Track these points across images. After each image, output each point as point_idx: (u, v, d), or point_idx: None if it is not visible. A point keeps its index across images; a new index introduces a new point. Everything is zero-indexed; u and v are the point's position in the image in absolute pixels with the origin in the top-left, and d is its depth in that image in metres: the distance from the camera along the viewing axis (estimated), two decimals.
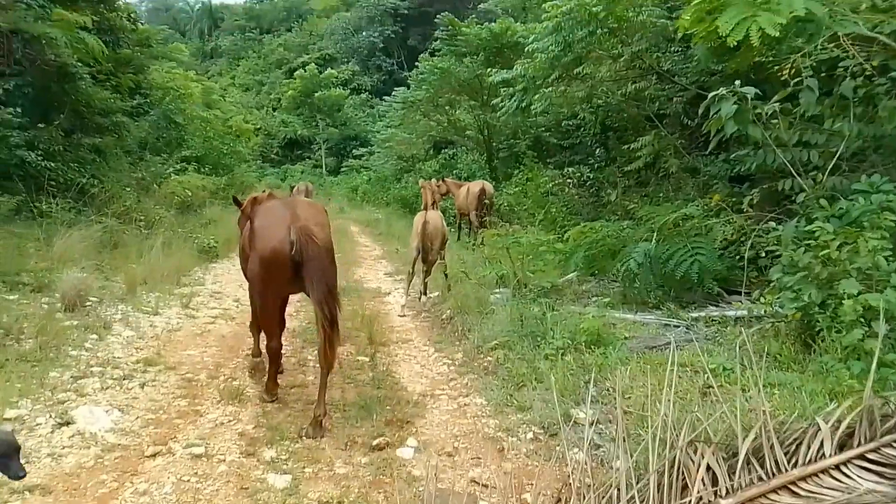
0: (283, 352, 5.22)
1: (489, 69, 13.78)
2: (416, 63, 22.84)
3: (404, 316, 8.29)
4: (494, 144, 21.64)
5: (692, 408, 3.77)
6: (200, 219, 14.26)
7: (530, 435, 4.38)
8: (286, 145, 46.66)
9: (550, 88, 10.84)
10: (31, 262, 8.29)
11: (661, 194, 9.98)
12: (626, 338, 5.97)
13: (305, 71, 45.91)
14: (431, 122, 23.61)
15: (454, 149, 23.69)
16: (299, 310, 7.97)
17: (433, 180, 16.19)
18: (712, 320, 6.73)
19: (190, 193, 13.26)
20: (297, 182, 23.39)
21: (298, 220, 4.53)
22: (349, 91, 46.94)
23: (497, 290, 7.99)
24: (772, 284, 5.59)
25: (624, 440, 2.91)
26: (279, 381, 5.22)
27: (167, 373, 5.60)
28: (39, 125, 11.66)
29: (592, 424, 4.20)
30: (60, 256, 8.79)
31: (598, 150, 16.27)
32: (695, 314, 7.00)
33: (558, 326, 5.91)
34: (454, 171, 20.43)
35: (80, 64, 12.71)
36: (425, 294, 8.94)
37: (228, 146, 20.44)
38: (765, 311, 5.47)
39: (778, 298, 5.31)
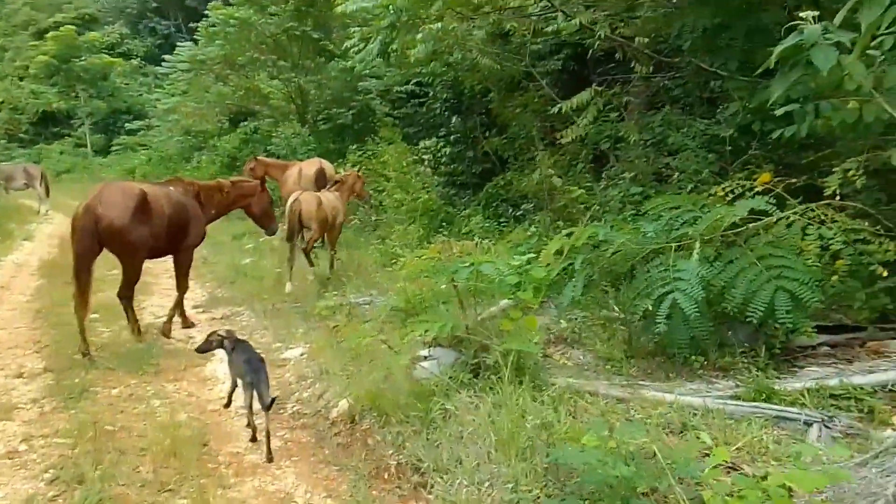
0: None
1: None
2: (206, 13, 18.01)
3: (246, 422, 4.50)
4: (308, 116, 17.71)
5: None
6: None
7: None
8: (39, 121, 38.04)
9: (438, 25, 7.34)
10: None
11: (624, 174, 6.91)
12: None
13: (60, 31, 37.61)
14: (228, 87, 19.02)
15: (256, 121, 19.31)
16: None
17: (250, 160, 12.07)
18: (836, 396, 3.86)
19: None
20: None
21: None
22: (117, 56, 39.33)
23: (425, 354, 4.48)
24: None
25: None
26: None
27: None
28: None
29: None
30: None
31: (453, 119, 13.08)
32: (791, 383, 4.07)
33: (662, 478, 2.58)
34: (267, 149, 16.16)
35: None
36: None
37: None
38: None
39: None
